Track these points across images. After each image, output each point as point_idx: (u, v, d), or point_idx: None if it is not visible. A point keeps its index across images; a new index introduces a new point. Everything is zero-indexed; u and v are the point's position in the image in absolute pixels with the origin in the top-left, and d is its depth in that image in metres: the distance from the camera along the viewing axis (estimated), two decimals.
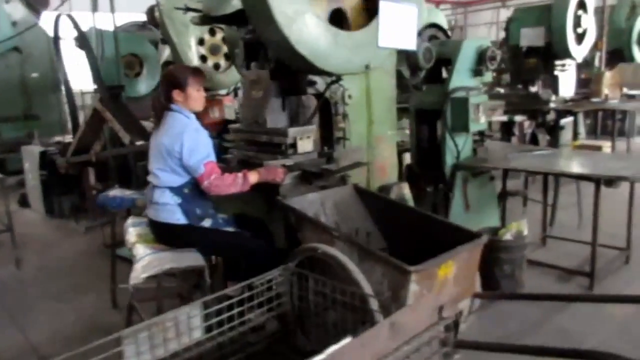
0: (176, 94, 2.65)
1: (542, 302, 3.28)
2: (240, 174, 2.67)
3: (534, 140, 6.44)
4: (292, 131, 2.87)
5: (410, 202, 3.49)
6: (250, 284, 2.33)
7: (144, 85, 8.21)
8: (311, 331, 2.42)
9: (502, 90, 7.33)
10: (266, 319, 2.43)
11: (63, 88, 7.11)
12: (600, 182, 3.32)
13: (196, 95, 2.66)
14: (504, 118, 6.77)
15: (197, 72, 2.71)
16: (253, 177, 2.71)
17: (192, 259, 2.60)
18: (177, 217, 2.66)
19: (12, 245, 4.58)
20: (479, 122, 3.82)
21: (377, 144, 3.38)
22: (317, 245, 2.48)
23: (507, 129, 7.03)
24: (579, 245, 3.94)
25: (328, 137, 3.09)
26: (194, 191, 2.67)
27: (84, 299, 3.78)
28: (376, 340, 1.57)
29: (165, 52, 7.66)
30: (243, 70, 3.37)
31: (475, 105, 3.75)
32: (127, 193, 3.59)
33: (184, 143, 2.57)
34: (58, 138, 6.98)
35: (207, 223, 2.73)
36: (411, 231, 2.85)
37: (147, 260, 2.53)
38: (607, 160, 4.02)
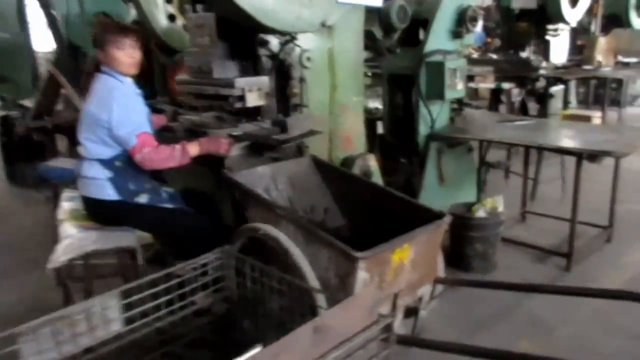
0: (99, 54, 2.34)
1: None
2: (178, 146, 2.38)
3: (523, 109, 6.15)
4: (241, 82, 2.57)
5: (377, 176, 3.22)
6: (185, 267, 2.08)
7: None
8: (257, 317, 2.19)
9: (494, 56, 6.97)
10: (212, 302, 2.20)
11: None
12: (582, 156, 3.05)
13: (120, 57, 2.34)
14: (491, 85, 6.45)
15: (122, 30, 2.38)
16: (193, 148, 2.42)
17: (121, 239, 2.34)
18: (108, 193, 2.39)
19: None
20: (456, 88, 3.53)
21: (341, 112, 3.08)
22: (258, 225, 2.23)
23: (495, 97, 6.73)
24: (559, 222, 3.70)
25: (285, 104, 2.79)
26: (126, 164, 2.39)
27: (30, 276, 3.53)
28: (294, 349, 1.33)
29: (133, 11, 7.22)
30: (188, 14, 3.04)
31: (451, 70, 3.45)
32: (71, 164, 3.30)
33: (112, 111, 2.28)
34: (26, 101, 6.62)
35: (142, 199, 2.46)
36: (372, 208, 2.60)
37: (69, 241, 2.28)
38: (593, 133, 3.76)
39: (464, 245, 3.27)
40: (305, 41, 2.76)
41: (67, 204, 2.67)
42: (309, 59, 2.77)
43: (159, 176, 2.84)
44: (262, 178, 2.63)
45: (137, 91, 2.44)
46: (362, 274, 1.98)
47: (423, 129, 3.63)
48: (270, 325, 2.02)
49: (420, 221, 2.27)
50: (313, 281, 2.03)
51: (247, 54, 2.72)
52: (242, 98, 2.57)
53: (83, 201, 2.47)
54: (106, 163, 2.38)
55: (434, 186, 3.69)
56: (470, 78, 7.03)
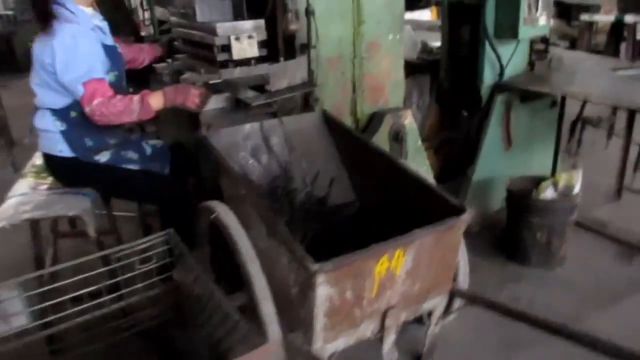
0: None
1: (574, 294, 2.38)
2: (136, 97, 1.96)
3: None
4: (225, 27, 2.03)
5: (414, 137, 2.60)
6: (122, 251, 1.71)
7: None
8: (199, 323, 1.78)
9: None
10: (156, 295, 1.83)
11: None
12: None
13: None
14: (610, 18, 5.22)
15: None
16: (156, 100, 1.99)
17: (74, 204, 1.99)
18: (60, 149, 2.06)
19: None
20: (536, 24, 2.69)
21: (369, 53, 2.45)
22: (213, 204, 1.76)
23: (615, 34, 5.47)
24: None
25: (289, 45, 2.21)
26: (84, 115, 2.00)
27: None
28: None
29: None
30: None
31: None
32: None
33: (55, 53, 1.89)
34: None
35: (103, 157, 2.10)
36: (385, 186, 2.03)
37: (10, 203, 1.97)
38: None
39: (521, 231, 2.59)
40: None
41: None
42: None
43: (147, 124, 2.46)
44: (250, 138, 2.15)
45: (92, 25, 2.00)
46: (323, 290, 1.47)
47: (488, 77, 2.87)
48: (208, 339, 1.61)
49: (436, 213, 1.68)
50: (262, 291, 1.55)
51: None
52: (227, 48, 2.03)
53: (42, 156, 2.15)
54: (59, 113, 2.02)
55: (497, 151, 2.96)
56: (584, 8, 5.80)
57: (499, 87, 2.86)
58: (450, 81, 3.15)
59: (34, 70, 2.00)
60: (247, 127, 2.12)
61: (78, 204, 2.00)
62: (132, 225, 2.84)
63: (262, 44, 2.13)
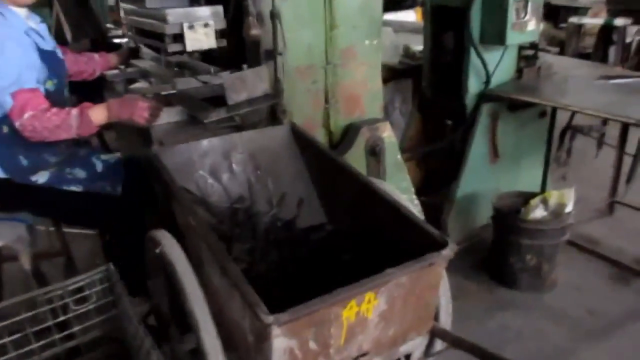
0: None
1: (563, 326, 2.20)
2: (75, 110, 1.73)
3: None
4: (175, 14, 1.81)
5: (393, 152, 2.39)
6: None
7: None
8: None
9: None
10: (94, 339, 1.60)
11: None
12: None
13: None
14: (599, 21, 5.07)
15: None
16: (98, 114, 1.76)
17: (1, 233, 1.75)
18: None
19: None
20: (524, 29, 2.51)
21: (344, 60, 2.24)
22: (159, 236, 1.54)
23: (604, 37, 5.32)
24: None
25: (254, 50, 1.99)
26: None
27: None
28: None
29: None
30: None
31: (519, 2, 2.42)
32: None
33: None
34: None
35: (41, 178, 1.86)
36: (358, 209, 1.82)
37: None
38: None
39: (509, 253, 2.40)
40: None
41: None
42: None
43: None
44: (208, 155, 1.92)
45: (26, 28, 1.77)
46: (281, 342, 1.26)
47: (474, 85, 2.68)
48: None
49: (413, 244, 1.49)
50: (209, 341, 1.33)
51: None
52: (180, 37, 1.81)
53: None
54: None
55: (483, 164, 2.78)
56: (572, 10, 5.66)
57: (484, 96, 2.67)
58: (433, 89, 2.96)
59: None
60: (205, 142, 1.90)
61: (11, 232, 1.77)
62: (90, 243, 2.58)
63: (220, 34, 1.91)
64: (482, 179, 2.78)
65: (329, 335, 1.35)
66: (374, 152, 2.30)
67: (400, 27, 3.96)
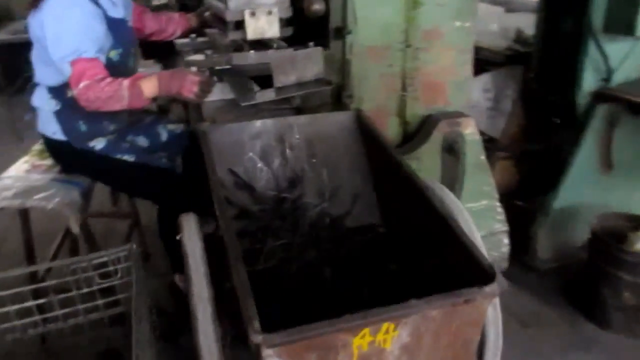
0: None
1: None
2: (126, 82, 1.70)
3: None
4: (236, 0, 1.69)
5: (476, 151, 2.11)
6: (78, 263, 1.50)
7: None
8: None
9: None
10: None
11: None
12: None
13: None
14: None
15: None
16: (149, 87, 1.72)
17: (56, 194, 1.80)
18: (53, 130, 1.87)
19: None
20: None
21: (426, 43, 1.99)
22: (184, 221, 1.46)
23: None
24: None
25: (321, 28, 1.83)
26: None
27: None
28: None
29: None
30: None
31: None
32: None
33: (44, 26, 1.68)
34: None
35: (98, 144, 1.88)
36: (410, 215, 1.62)
37: None
38: None
39: (603, 286, 2.03)
40: None
41: None
42: None
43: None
44: (260, 137, 1.81)
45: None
46: None
47: (589, 81, 2.26)
48: None
49: (461, 268, 1.28)
50: (206, 343, 1.23)
51: None
52: (240, 25, 1.69)
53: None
54: (54, 91, 1.83)
55: (591, 174, 2.37)
56: None
57: (602, 95, 2.25)
58: (541, 81, 2.57)
59: (33, 44, 1.81)
60: (258, 123, 1.78)
61: (64, 194, 1.81)
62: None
63: (286, 22, 1.76)
64: (587, 192, 2.38)
65: None
66: (452, 150, 2.04)
67: (519, 6, 3.51)
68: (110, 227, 2.70)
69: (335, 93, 1.91)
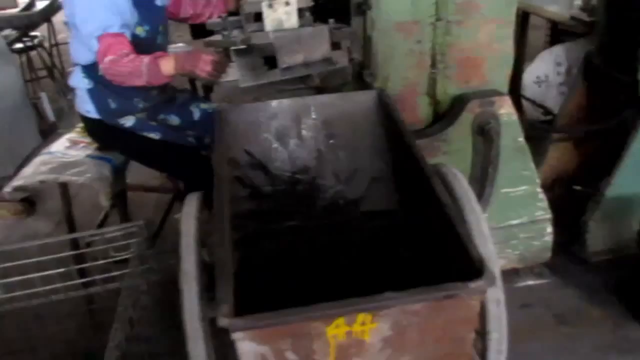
0: None
1: None
2: (147, 59, 1.75)
3: None
4: None
5: (513, 132, 1.97)
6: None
7: None
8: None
9: None
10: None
11: None
12: None
13: None
14: None
15: None
16: (167, 65, 1.76)
17: (89, 170, 1.92)
18: (87, 108, 1.98)
19: None
20: None
21: (462, 17, 1.86)
22: (187, 201, 1.50)
23: None
24: None
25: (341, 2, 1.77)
26: None
27: None
28: None
29: None
30: None
31: None
32: None
33: (74, 3, 1.76)
34: None
35: (128, 122, 1.97)
36: (420, 202, 1.56)
37: (36, 161, 1.98)
38: None
39: None
40: None
41: None
42: None
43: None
44: (276, 117, 1.80)
45: None
46: (248, 346, 1.14)
47: None
48: None
49: (456, 261, 1.23)
50: (192, 324, 1.27)
51: None
52: (259, 16, 1.68)
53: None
54: (87, 70, 1.93)
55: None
56: None
57: None
58: (604, 55, 2.33)
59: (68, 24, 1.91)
60: (274, 103, 1.77)
61: (95, 170, 1.92)
62: None
63: (308, 12, 1.72)
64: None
65: (311, 350, 1.18)
66: (483, 132, 1.91)
67: None
68: (159, 200, 2.83)
69: (357, 72, 1.85)
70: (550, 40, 3.69)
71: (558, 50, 3.45)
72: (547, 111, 3.44)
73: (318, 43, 1.60)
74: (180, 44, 2.03)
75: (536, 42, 3.95)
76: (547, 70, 3.53)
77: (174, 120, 2.08)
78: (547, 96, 3.56)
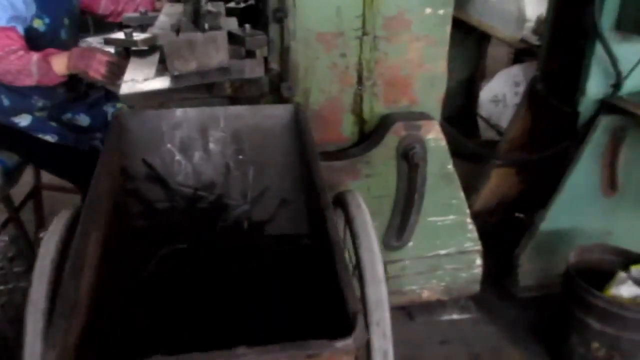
0: None
1: None
2: (36, 56, 1.58)
3: None
4: None
5: (441, 158, 1.85)
6: None
7: None
8: None
9: None
10: None
11: None
12: None
13: None
14: None
15: None
16: (59, 63, 1.60)
17: None
18: None
19: None
20: None
21: (389, 32, 1.74)
22: (60, 216, 1.34)
23: None
24: None
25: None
26: None
27: None
28: None
29: None
30: None
31: None
32: None
33: None
34: None
35: (23, 121, 1.80)
36: (319, 231, 1.42)
37: None
38: None
39: (572, 330, 1.74)
40: None
41: None
42: None
43: None
44: (180, 128, 1.65)
45: None
46: None
47: (595, 87, 1.94)
48: None
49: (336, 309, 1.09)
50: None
51: None
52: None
53: None
54: None
55: (590, 195, 2.06)
56: None
57: (607, 105, 1.92)
58: (548, 81, 2.23)
59: None
60: (178, 112, 1.62)
61: None
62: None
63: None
64: (584, 215, 2.07)
65: None
66: (408, 157, 1.79)
67: None
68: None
69: (276, 84, 1.71)
70: (514, 58, 3.62)
71: (516, 70, 3.37)
72: (500, 132, 3.36)
73: (214, 50, 1.46)
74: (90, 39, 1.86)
75: (504, 58, 3.89)
76: (504, 90, 3.45)
77: (84, 120, 1.92)
78: (504, 116, 3.48)
